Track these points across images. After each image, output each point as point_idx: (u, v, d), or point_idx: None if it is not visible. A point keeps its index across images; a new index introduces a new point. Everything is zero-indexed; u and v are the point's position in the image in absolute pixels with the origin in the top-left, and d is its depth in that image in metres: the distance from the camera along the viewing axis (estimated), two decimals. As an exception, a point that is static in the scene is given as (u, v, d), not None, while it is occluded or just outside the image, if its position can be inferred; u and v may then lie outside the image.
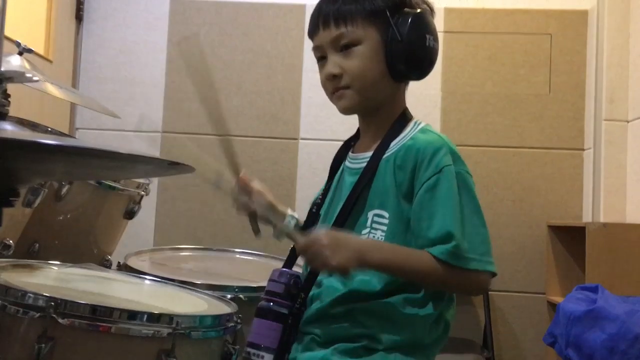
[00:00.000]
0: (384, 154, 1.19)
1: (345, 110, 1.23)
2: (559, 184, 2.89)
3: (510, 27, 2.95)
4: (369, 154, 1.22)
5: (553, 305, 2.65)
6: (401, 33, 1.17)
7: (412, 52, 1.18)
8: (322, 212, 1.29)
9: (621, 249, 2.36)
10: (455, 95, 2.97)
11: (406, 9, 1.19)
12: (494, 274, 1.15)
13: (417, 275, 1.12)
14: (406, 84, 1.27)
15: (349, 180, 1.24)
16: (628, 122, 2.67)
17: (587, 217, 2.81)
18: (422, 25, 1.19)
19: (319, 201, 1.31)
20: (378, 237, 1.16)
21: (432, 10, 1.25)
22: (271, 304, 1.17)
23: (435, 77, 2.97)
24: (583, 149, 2.89)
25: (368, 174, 1.19)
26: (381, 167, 1.19)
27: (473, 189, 1.16)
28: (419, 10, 1.20)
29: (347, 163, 1.29)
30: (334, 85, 1.21)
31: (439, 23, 2.99)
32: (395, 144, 1.20)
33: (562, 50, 2.92)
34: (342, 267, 1.07)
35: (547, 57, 2.93)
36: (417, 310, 1.14)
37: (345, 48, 1.19)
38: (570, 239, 2.76)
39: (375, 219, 1.17)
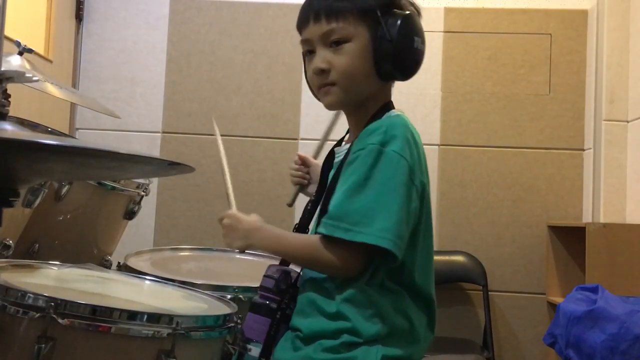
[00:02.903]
0: None
1: (330, 106, 1.24)
2: (559, 184, 2.89)
3: (510, 27, 2.95)
4: (348, 146, 1.23)
5: (553, 306, 2.65)
6: (391, 33, 1.17)
7: (399, 53, 1.18)
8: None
9: (621, 249, 2.36)
10: (455, 95, 2.97)
11: (395, 10, 1.20)
12: (390, 254, 1.09)
13: (297, 259, 1.19)
14: (392, 82, 1.28)
15: (331, 173, 1.27)
16: (628, 122, 2.67)
17: (587, 218, 2.81)
18: (411, 27, 1.20)
19: (314, 198, 1.33)
20: None
21: (419, 12, 1.26)
22: (262, 299, 1.20)
23: (435, 77, 2.97)
24: (583, 149, 2.89)
25: (342, 164, 1.20)
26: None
27: (396, 168, 1.12)
28: (408, 12, 1.20)
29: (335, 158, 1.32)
30: (320, 81, 1.21)
31: (439, 23, 3.01)
32: None
33: (562, 50, 2.92)
34: (232, 246, 1.23)
35: (547, 57, 2.93)
36: (385, 298, 1.14)
37: (334, 44, 1.19)
38: (570, 239, 2.76)
39: None
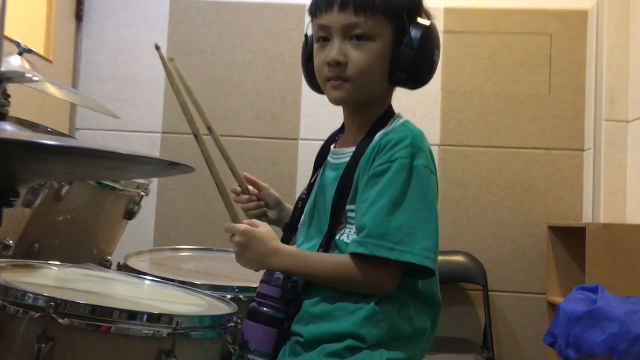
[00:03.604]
0: (366, 149, 1.17)
1: (336, 101, 1.21)
2: (559, 184, 2.89)
3: (510, 27, 2.95)
4: (351, 149, 1.20)
5: (553, 305, 2.65)
6: (414, 41, 1.15)
7: (419, 62, 1.17)
8: (306, 206, 1.29)
9: (621, 249, 2.36)
10: (455, 95, 2.97)
11: (419, 19, 1.18)
12: (427, 270, 1.09)
13: (327, 280, 1.13)
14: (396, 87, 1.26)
15: (331, 176, 1.23)
16: (628, 122, 2.67)
17: (587, 218, 2.81)
18: (434, 39, 1.19)
19: (304, 196, 1.30)
20: (352, 233, 1.15)
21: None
22: (264, 307, 1.14)
23: (435, 77, 2.92)
24: (583, 149, 2.89)
25: (351, 168, 1.17)
26: (360, 162, 1.18)
27: (428, 184, 1.12)
28: (431, 23, 1.19)
29: (329, 158, 1.28)
30: (333, 73, 1.17)
31: (439, 23, 2.99)
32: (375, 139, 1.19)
33: (562, 50, 2.92)
34: (247, 267, 1.16)
35: (547, 57, 2.93)
36: (390, 305, 1.13)
37: (356, 38, 1.16)
38: (570, 239, 2.76)
39: (349, 214, 1.16)
